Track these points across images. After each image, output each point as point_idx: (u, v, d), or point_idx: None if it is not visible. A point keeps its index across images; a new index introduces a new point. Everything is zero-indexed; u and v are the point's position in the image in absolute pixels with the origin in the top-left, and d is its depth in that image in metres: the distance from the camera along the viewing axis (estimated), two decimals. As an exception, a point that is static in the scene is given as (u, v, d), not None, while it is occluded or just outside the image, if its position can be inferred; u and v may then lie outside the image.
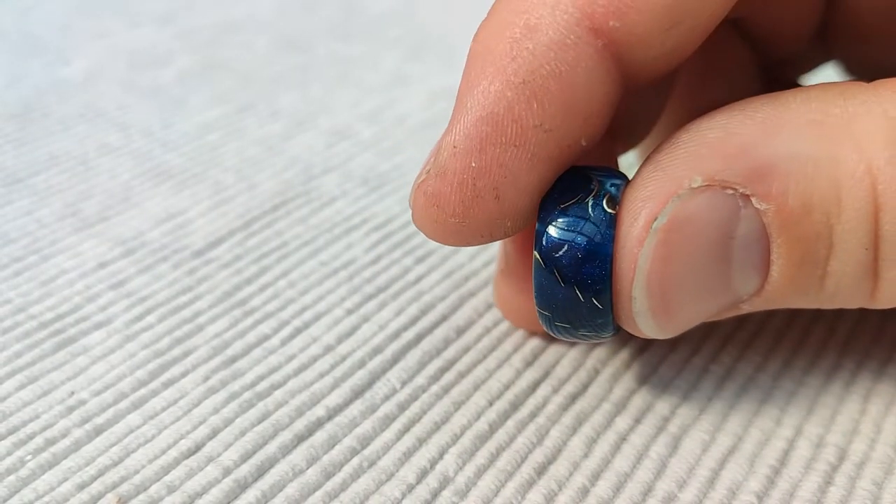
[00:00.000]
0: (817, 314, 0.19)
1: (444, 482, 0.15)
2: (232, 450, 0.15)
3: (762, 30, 0.18)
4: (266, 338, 0.18)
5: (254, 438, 0.15)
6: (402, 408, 0.16)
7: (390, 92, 0.29)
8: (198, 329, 0.18)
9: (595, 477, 0.15)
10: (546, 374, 0.17)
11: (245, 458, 0.15)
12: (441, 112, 0.28)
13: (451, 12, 0.36)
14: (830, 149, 0.13)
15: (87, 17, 0.35)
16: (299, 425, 0.16)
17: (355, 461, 0.15)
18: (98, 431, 0.16)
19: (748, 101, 0.14)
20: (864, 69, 0.19)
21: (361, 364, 0.17)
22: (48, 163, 0.24)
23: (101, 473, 0.15)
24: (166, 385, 0.17)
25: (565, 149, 0.14)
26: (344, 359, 0.17)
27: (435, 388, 0.17)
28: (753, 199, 0.13)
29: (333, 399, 0.16)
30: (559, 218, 0.14)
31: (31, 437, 0.15)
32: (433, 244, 0.21)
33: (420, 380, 0.17)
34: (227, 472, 0.15)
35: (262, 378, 0.17)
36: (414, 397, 0.17)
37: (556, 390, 0.17)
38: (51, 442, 0.15)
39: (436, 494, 0.15)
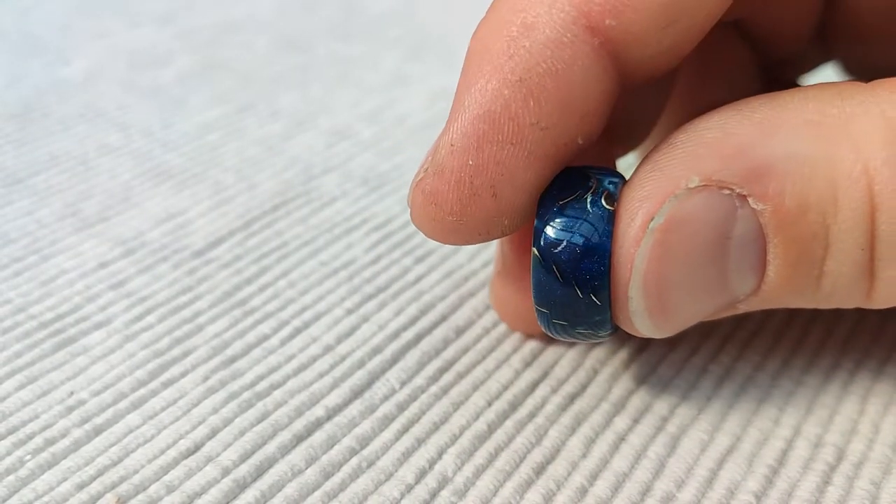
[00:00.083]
0: (816, 314, 0.19)
1: (443, 482, 0.15)
2: (231, 450, 0.15)
3: (762, 30, 0.18)
4: (266, 338, 0.18)
5: (253, 438, 0.15)
6: (402, 408, 0.16)
7: (390, 92, 0.29)
8: (197, 329, 0.18)
9: (594, 477, 0.15)
10: (545, 375, 0.17)
11: (244, 458, 0.15)
12: (441, 112, 0.28)
13: (451, 12, 0.36)
14: (827, 149, 0.13)
15: (87, 17, 0.35)
16: (298, 425, 0.16)
17: (354, 461, 0.15)
18: (97, 431, 0.16)
19: (746, 101, 0.14)
20: (864, 69, 0.19)
21: (361, 364, 0.17)
22: (48, 163, 0.24)
23: (100, 473, 0.15)
24: (166, 385, 0.17)
25: (562, 147, 0.14)
26: (343, 359, 0.17)
27: (434, 388, 0.17)
28: (750, 200, 0.13)
29: (333, 399, 0.16)
30: (558, 214, 0.14)
31: (30, 437, 0.15)
32: (433, 244, 0.21)
33: (419, 380, 0.17)
34: (226, 472, 0.15)
35: (261, 378, 0.17)
36: (413, 397, 0.17)
37: (554, 390, 0.17)
38: (50, 442, 0.15)
39: (434, 494, 0.15)
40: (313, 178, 0.24)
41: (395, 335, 0.18)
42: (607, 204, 0.14)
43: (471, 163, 0.14)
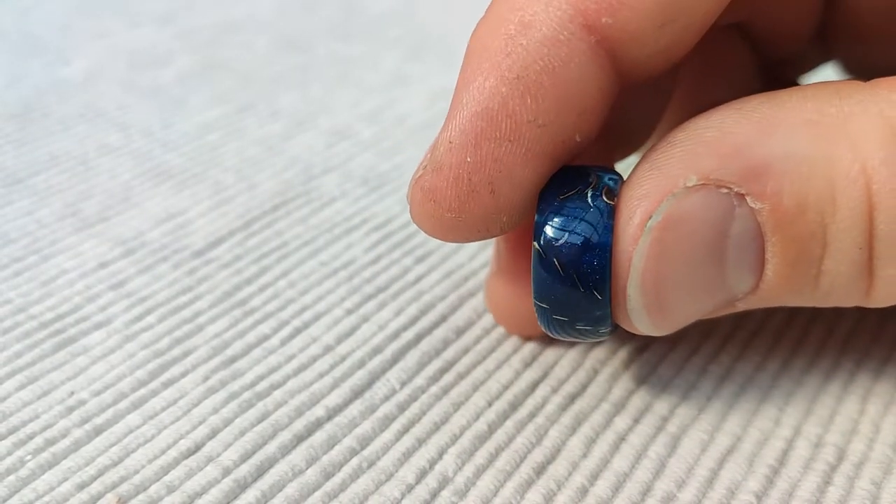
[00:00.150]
0: (816, 314, 0.19)
1: (444, 482, 0.15)
2: (231, 450, 0.15)
3: (762, 30, 0.18)
4: (266, 338, 0.18)
5: (253, 438, 0.15)
6: (402, 408, 0.16)
7: (390, 92, 0.29)
8: (198, 329, 0.18)
9: (594, 477, 0.15)
10: (545, 375, 0.17)
11: (245, 458, 0.15)
12: (441, 112, 0.28)
13: (451, 12, 0.36)
14: (826, 148, 0.13)
15: (87, 17, 0.35)
16: (299, 425, 0.16)
17: (355, 461, 0.15)
18: (98, 431, 0.16)
19: (744, 100, 0.14)
20: (864, 69, 0.19)
21: (361, 364, 0.17)
22: (48, 163, 0.24)
23: (100, 473, 0.15)
24: (166, 385, 0.17)
25: (560, 144, 0.14)
26: (343, 359, 0.17)
27: (434, 388, 0.17)
28: (748, 199, 0.13)
29: (333, 399, 0.16)
30: (559, 209, 0.14)
31: (30, 437, 0.15)
32: (433, 244, 0.21)
33: (419, 380, 0.17)
34: (226, 472, 0.15)
35: (261, 378, 0.17)
36: (413, 398, 0.17)
37: (555, 390, 0.17)
38: (51, 442, 0.15)
39: (435, 494, 0.15)
40: (313, 178, 0.24)
41: (396, 335, 0.18)
42: (608, 199, 0.14)
43: (469, 160, 0.14)
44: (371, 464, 0.15)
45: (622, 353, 0.18)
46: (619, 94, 0.15)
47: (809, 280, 0.14)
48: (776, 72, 0.20)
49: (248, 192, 0.23)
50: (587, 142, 0.14)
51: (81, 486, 0.15)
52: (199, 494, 0.14)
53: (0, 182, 0.23)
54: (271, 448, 0.15)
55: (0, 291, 0.19)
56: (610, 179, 0.14)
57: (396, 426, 0.16)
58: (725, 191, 0.13)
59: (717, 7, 0.14)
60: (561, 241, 0.14)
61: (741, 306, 0.14)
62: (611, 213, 0.14)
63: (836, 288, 0.14)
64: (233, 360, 0.17)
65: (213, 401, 0.16)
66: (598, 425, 0.16)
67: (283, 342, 0.18)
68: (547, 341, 0.18)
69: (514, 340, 0.18)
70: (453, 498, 0.15)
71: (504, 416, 0.16)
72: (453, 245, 0.21)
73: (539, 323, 0.15)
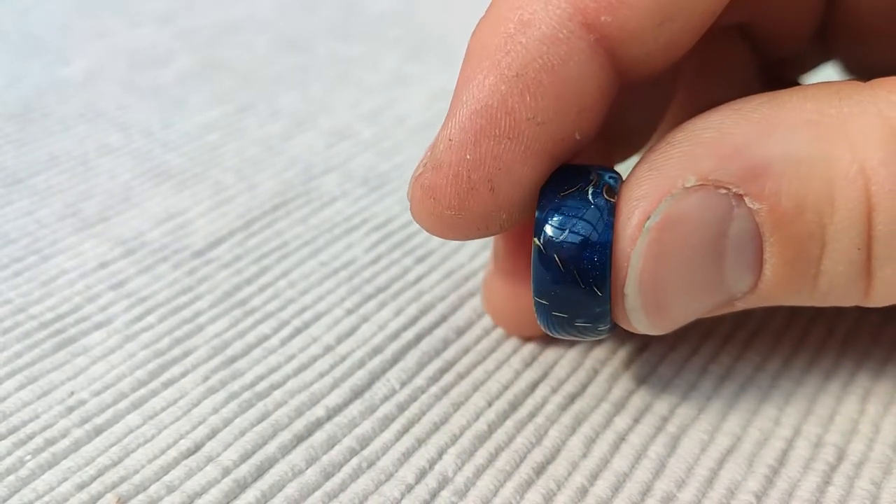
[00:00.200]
0: (816, 314, 0.19)
1: (443, 482, 0.15)
2: (231, 450, 0.15)
3: (762, 30, 0.19)
4: (266, 338, 0.18)
5: (253, 438, 0.15)
6: (402, 408, 0.16)
7: (390, 92, 0.29)
8: (198, 329, 0.18)
9: (594, 477, 0.15)
10: (545, 375, 0.17)
11: (244, 458, 0.15)
12: (441, 112, 0.28)
13: (451, 12, 0.36)
14: (824, 149, 0.13)
15: (87, 17, 0.35)
16: (299, 425, 0.16)
17: (354, 461, 0.15)
18: (98, 431, 0.16)
19: (744, 100, 0.14)
20: (864, 69, 0.19)
21: (361, 364, 0.17)
22: (48, 163, 0.24)
23: (100, 473, 0.15)
24: (166, 385, 0.17)
25: (559, 142, 0.14)
26: (343, 359, 0.17)
27: (434, 388, 0.17)
28: (746, 199, 0.13)
29: (333, 399, 0.16)
30: (559, 205, 0.14)
31: (30, 437, 0.15)
32: (433, 244, 0.21)
33: (419, 380, 0.17)
34: (226, 472, 0.15)
35: (261, 378, 0.17)
36: (413, 398, 0.17)
37: (554, 390, 0.17)
38: (50, 442, 0.15)
39: (435, 494, 0.15)
40: (313, 178, 0.24)
41: (396, 335, 0.18)
42: (608, 196, 0.14)
43: (468, 157, 0.14)
44: (371, 464, 0.15)
45: (622, 353, 0.18)
46: (618, 93, 0.15)
47: (808, 280, 0.14)
48: (776, 72, 0.20)
49: (248, 192, 0.23)
50: (587, 140, 0.14)
51: (81, 486, 0.15)
52: (198, 494, 0.14)
53: (0, 182, 0.23)
54: (271, 448, 0.15)
55: (0, 291, 0.19)
56: (610, 178, 0.14)
57: (396, 426, 0.16)
58: (724, 191, 0.13)
59: (716, 6, 0.14)
60: (561, 238, 0.14)
61: (740, 306, 0.14)
62: (611, 210, 0.14)
63: (834, 288, 0.14)
64: (233, 360, 0.17)
65: (213, 401, 0.16)
66: (598, 425, 0.16)
67: (283, 342, 0.18)
68: (547, 341, 0.18)
69: (514, 340, 0.18)
70: (453, 498, 0.15)
71: (504, 416, 0.16)
72: (453, 245, 0.21)
73: (538, 320, 0.15)
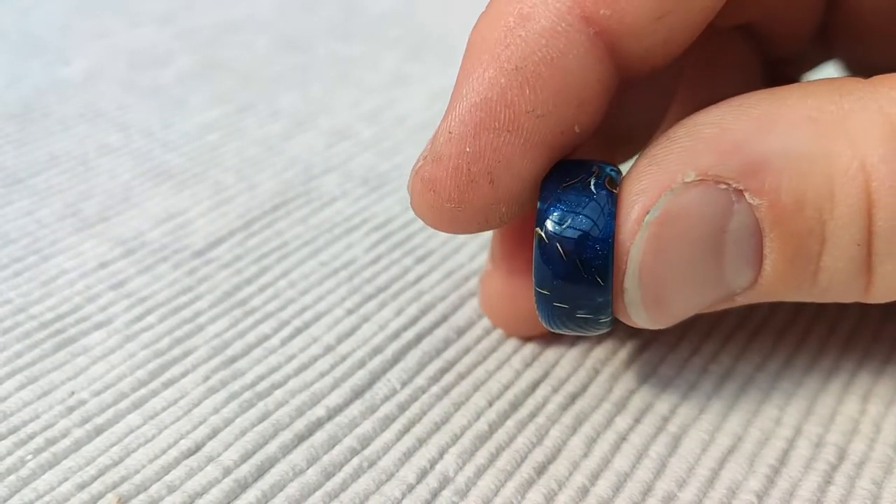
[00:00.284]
0: (817, 313, 0.19)
1: (444, 482, 0.15)
2: (232, 450, 0.15)
3: (764, 30, 0.19)
4: (266, 338, 0.18)
5: (254, 438, 0.15)
6: (403, 408, 0.16)
7: (390, 92, 0.29)
8: (198, 329, 0.18)
9: (595, 476, 0.15)
10: (546, 374, 0.17)
11: (245, 457, 0.15)
12: (441, 112, 0.27)
13: (451, 12, 0.36)
14: (825, 145, 0.13)
15: (87, 17, 0.35)
16: (299, 425, 0.16)
17: (355, 461, 0.15)
18: (98, 431, 0.16)
19: (744, 96, 0.14)
20: (865, 68, 0.19)
21: (361, 364, 0.17)
22: (48, 163, 0.24)
23: (101, 473, 0.15)
24: (166, 385, 0.17)
25: (559, 135, 0.14)
26: (344, 359, 0.17)
27: (435, 388, 0.17)
28: (746, 195, 0.13)
29: (333, 399, 0.16)
30: (562, 195, 0.14)
31: (31, 437, 0.15)
32: (433, 244, 0.21)
33: (420, 380, 0.17)
34: (227, 471, 0.15)
35: (262, 378, 0.17)
36: (414, 398, 0.17)
37: (555, 390, 0.17)
38: (51, 442, 0.15)
39: (436, 494, 0.15)
40: (313, 178, 0.24)
41: (396, 335, 0.18)
42: (610, 187, 0.14)
43: (468, 150, 0.14)
44: (372, 463, 0.15)
45: (623, 353, 0.18)
46: (620, 89, 0.15)
47: (808, 276, 0.14)
48: (778, 71, 0.20)
49: (249, 192, 0.23)
50: (586, 134, 0.14)
51: (82, 486, 0.14)
52: (199, 494, 0.14)
53: (0, 182, 0.23)
54: (272, 448, 0.15)
55: (0, 291, 0.19)
56: (612, 171, 0.14)
57: (397, 426, 0.16)
58: (724, 186, 0.13)
59: (715, 2, 0.14)
60: (564, 226, 0.14)
61: (740, 301, 0.14)
62: (614, 200, 0.14)
63: (834, 284, 0.14)
64: (233, 359, 0.17)
65: (213, 401, 0.16)
66: (599, 425, 0.16)
67: (284, 342, 0.18)
68: (547, 341, 0.18)
69: (514, 340, 0.18)
70: (454, 498, 0.15)
71: (505, 416, 0.16)
72: (453, 245, 0.21)
73: (538, 314, 0.15)
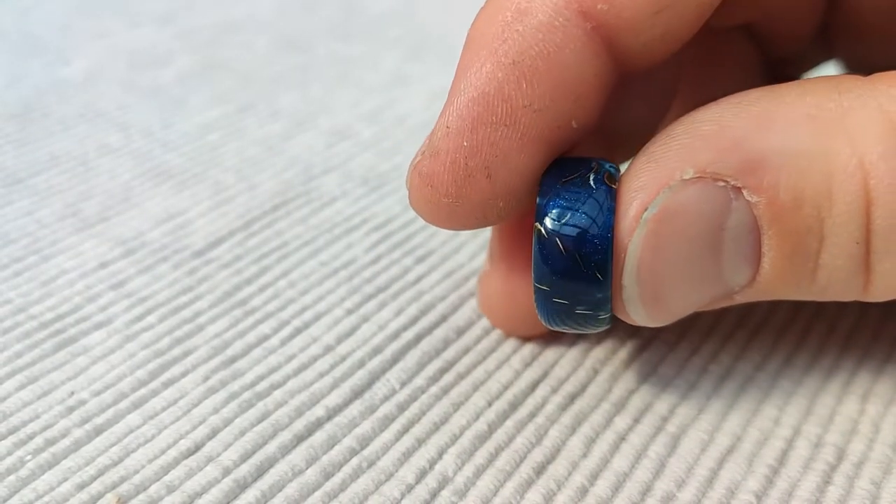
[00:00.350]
0: (816, 312, 0.19)
1: (444, 482, 0.15)
2: (231, 450, 0.15)
3: (765, 30, 0.19)
4: (266, 338, 0.18)
5: (253, 438, 0.15)
6: (402, 408, 0.16)
7: (390, 92, 0.29)
8: (198, 329, 0.18)
9: (594, 476, 0.15)
10: (545, 374, 0.17)
11: (245, 458, 0.15)
12: (441, 112, 0.28)
13: (451, 12, 0.36)
14: (823, 143, 0.13)
15: (87, 17, 0.35)
16: (299, 425, 0.16)
17: (355, 461, 0.15)
18: (98, 431, 0.16)
19: (743, 93, 0.14)
20: (865, 68, 0.19)
21: (361, 364, 0.17)
22: (48, 163, 0.24)
23: (100, 473, 0.15)
24: (166, 385, 0.17)
25: (556, 129, 0.14)
26: (344, 359, 0.17)
27: (434, 388, 0.17)
28: (745, 192, 0.13)
29: (333, 399, 0.16)
30: (561, 191, 0.14)
31: (31, 437, 0.15)
32: (433, 244, 0.21)
33: (419, 380, 0.17)
34: (226, 471, 0.15)
35: (261, 378, 0.17)
36: (413, 398, 0.17)
37: (555, 390, 0.17)
38: (51, 442, 0.15)
39: (435, 494, 0.15)
40: (313, 178, 0.24)
41: (396, 335, 0.18)
42: (609, 183, 0.14)
43: (465, 144, 0.14)
44: (371, 464, 0.15)
45: (622, 353, 0.18)
46: (617, 84, 0.15)
47: (806, 274, 0.14)
48: (778, 70, 0.20)
49: (248, 192, 0.23)
50: (584, 129, 0.14)
51: (81, 486, 0.15)
52: (199, 494, 0.14)
53: (0, 182, 0.23)
54: (271, 448, 0.15)
55: (0, 291, 0.19)
56: (610, 167, 0.14)
57: (396, 426, 0.16)
58: (722, 184, 0.13)
59: None
60: (563, 221, 0.14)
61: (739, 299, 0.14)
62: (613, 195, 0.14)
63: (833, 282, 0.14)
64: (233, 360, 0.17)
65: (213, 401, 0.16)
66: (598, 425, 0.16)
67: (284, 342, 0.18)
68: (547, 341, 0.18)
69: (514, 340, 0.18)
70: (453, 498, 0.15)
71: (504, 416, 0.16)
72: (453, 245, 0.21)
73: (537, 311, 0.15)
